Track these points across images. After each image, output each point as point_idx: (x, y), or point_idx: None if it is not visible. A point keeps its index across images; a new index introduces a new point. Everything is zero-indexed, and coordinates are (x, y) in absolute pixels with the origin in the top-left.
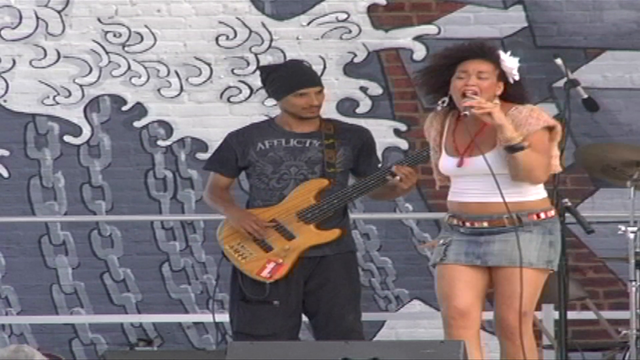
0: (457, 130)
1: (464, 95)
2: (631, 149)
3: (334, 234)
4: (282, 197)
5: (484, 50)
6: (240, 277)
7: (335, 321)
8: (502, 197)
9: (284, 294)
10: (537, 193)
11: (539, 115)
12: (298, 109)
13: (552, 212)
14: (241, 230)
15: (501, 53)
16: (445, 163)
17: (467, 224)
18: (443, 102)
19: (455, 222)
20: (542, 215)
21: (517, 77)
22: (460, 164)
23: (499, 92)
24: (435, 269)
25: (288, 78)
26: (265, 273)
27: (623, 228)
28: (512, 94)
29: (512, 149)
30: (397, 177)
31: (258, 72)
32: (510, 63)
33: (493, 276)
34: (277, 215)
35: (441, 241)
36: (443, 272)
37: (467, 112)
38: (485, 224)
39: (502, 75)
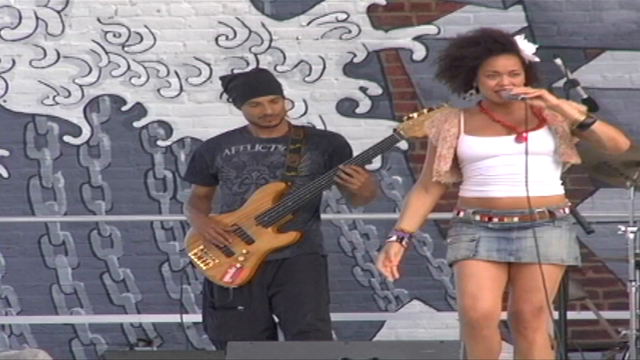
0: (496, 116)
1: (496, 92)
2: (630, 149)
3: (290, 236)
4: (243, 201)
5: (505, 44)
6: (209, 284)
7: (294, 320)
8: (525, 179)
9: (247, 299)
10: (560, 188)
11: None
12: (255, 118)
13: (569, 209)
14: (203, 239)
15: (518, 42)
16: (482, 144)
17: (495, 220)
18: (471, 94)
19: (478, 218)
20: (567, 211)
21: (536, 59)
22: (519, 139)
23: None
24: (456, 265)
25: (242, 88)
26: (227, 278)
27: (623, 228)
28: (528, 76)
29: (584, 125)
30: (341, 178)
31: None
32: (529, 49)
33: (513, 271)
34: (238, 220)
35: (467, 237)
36: (472, 269)
37: (523, 97)
38: (516, 219)
39: (524, 62)
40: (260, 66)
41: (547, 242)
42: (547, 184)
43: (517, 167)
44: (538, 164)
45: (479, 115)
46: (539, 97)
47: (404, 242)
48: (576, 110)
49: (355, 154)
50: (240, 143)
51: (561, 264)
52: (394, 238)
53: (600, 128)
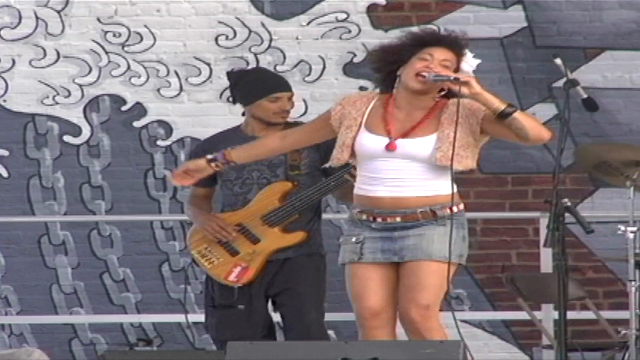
0: (389, 114)
1: (417, 75)
2: (631, 148)
3: (297, 236)
4: (245, 201)
5: (457, 42)
6: (210, 283)
7: (298, 318)
8: (453, 184)
9: (247, 298)
10: (449, 187)
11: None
12: (269, 114)
13: (462, 206)
14: (206, 233)
15: (468, 51)
16: (370, 141)
17: (379, 220)
18: (451, 78)
19: (364, 217)
20: (455, 209)
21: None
22: (390, 147)
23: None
24: (345, 267)
25: (263, 82)
26: (232, 277)
27: (622, 228)
28: (455, 93)
29: (504, 114)
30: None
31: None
32: (471, 62)
33: (399, 269)
34: (243, 219)
35: (353, 239)
36: (357, 271)
37: (456, 77)
38: (398, 219)
39: (457, 70)
40: (260, 66)
41: (429, 239)
42: (430, 185)
43: (401, 170)
44: (418, 167)
45: (380, 110)
46: (466, 83)
47: (213, 164)
48: (497, 100)
49: None
50: (236, 143)
51: (445, 261)
52: (210, 157)
53: (521, 116)
